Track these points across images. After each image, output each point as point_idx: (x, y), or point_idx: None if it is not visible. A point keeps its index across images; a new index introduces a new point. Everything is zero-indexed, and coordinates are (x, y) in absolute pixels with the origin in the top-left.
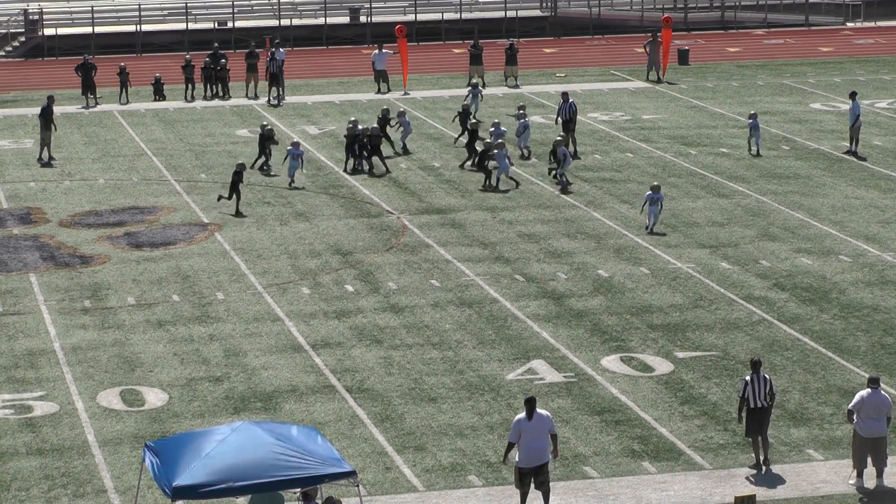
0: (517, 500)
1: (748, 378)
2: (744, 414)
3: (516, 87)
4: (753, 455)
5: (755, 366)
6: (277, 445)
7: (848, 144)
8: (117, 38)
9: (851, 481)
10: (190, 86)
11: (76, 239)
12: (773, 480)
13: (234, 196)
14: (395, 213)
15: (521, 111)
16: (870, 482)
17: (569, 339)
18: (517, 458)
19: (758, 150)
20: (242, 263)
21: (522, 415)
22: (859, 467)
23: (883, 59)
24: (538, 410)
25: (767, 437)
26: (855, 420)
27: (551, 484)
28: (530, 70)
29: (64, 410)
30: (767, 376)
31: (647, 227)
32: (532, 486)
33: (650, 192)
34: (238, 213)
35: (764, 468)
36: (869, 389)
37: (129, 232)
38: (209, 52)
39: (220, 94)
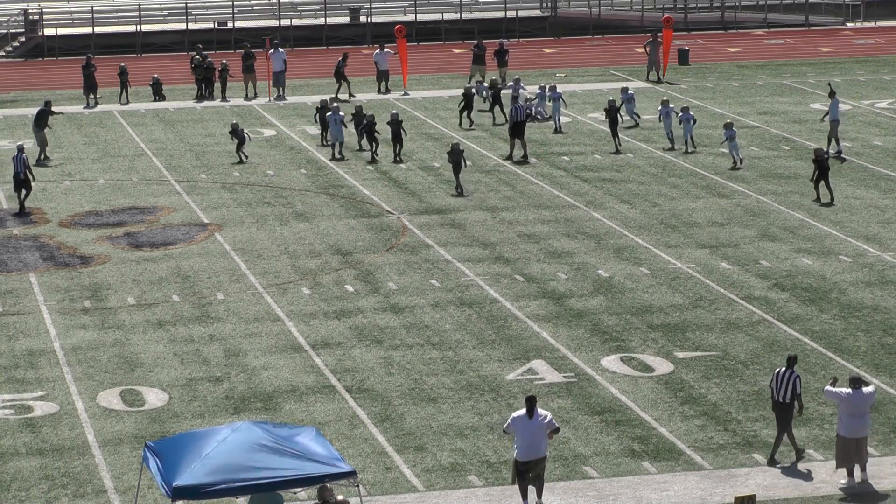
0: (518, 500)
1: (777, 371)
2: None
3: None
4: (772, 447)
5: (788, 361)
6: (277, 446)
7: (835, 147)
8: (117, 38)
9: (843, 481)
10: (215, 85)
11: (76, 239)
12: (774, 480)
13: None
14: (395, 213)
15: (516, 84)
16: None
17: (569, 339)
18: (515, 453)
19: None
20: (242, 263)
21: (522, 412)
22: (848, 466)
23: (883, 59)
24: (539, 410)
25: (792, 433)
26: (838, 423)
27: (550, 484)
28: (530, 70)
29: (64, 410)
30: (797, 375)
31: (735, 164)
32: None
33: (725, 129)
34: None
35: (778, 462)
36: (850, 390)
37: (129, 232)
38: (193, 52)
39: (221, 94)
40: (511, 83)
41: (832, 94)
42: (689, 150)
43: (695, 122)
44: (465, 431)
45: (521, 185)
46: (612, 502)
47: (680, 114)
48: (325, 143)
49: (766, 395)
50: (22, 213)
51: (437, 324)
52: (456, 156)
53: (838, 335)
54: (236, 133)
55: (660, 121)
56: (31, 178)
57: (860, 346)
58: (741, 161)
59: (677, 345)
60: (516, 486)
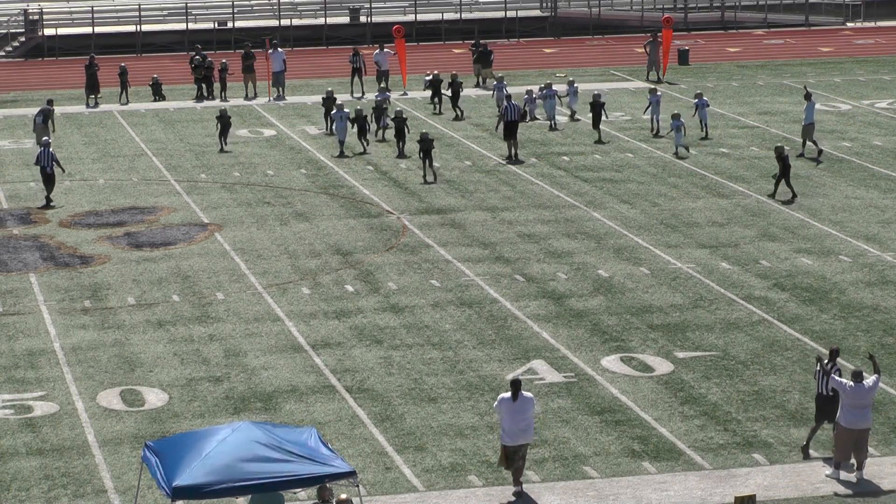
0: (513, 490)
1: (821, 363)
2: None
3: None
4: (806, 439)
5: (830, 354)
6: (277, 446)
7: (812, 148)
8: (117, 38)
9: (828, 472)
10: (215, 85)
11: (76, 239)
12: (774, 480)
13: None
14: (395, 213)
15: (500, 82)
16: (850, 475)
17: (569, 339)
18: (502, 437)
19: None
20: (242, 263)
21: (508, 394)
22: (840, 459)
23: (883, 59)
24: (523, 392)
25: (816, 431)
26: (839, 414)
27: (550, 484)
28: (530, 70)
29: (64, 410)
30: (838, 368)
31: (676, 152)
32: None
33: (672, 119)
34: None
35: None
36: (852, 383)
37: (129, 232)
38: (193, 52)
39: (221, 94)
40: (495, 83)
41: (808, 97)
42: (704, 137)
43: (708, 105)
44: (465, 431)
45: (521, 185)
46: (612, 502)
47: (695, 100)
48: (330, 132)
49: (766, 395)
50: (47, 207)
51: (437, 324)
52: (426, 144)
53: (838, 335)
54: (223, 119)
55: (646, 111)
56: (61, 170)
57: (860, 346)
58: (686, 148)
59: (677, 345)
60: (510, 475)
